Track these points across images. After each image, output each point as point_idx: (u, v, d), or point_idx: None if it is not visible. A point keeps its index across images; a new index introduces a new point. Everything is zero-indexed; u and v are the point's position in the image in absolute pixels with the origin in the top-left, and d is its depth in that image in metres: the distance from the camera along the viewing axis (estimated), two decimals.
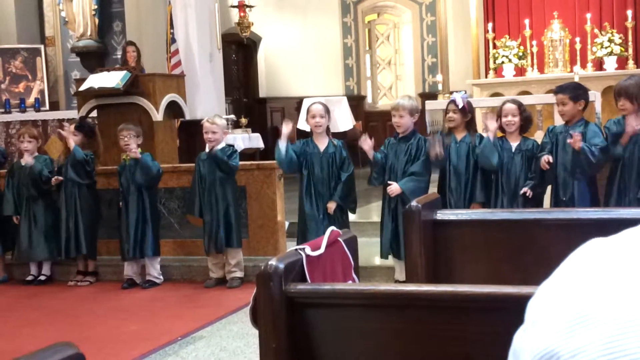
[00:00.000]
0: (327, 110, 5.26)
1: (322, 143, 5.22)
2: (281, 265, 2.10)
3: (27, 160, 6.00)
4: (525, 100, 6.36)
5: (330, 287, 2.19)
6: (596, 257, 0.56)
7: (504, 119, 4.88)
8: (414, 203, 3.02)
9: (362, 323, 2.08)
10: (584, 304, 0.52)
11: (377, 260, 5.51)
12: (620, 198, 4.60)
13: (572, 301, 0.53)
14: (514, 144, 4.89)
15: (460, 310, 1.96)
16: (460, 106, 4.93)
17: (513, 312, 1.80)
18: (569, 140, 4.57)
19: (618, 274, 0.53)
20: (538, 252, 2.90)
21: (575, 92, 4.73)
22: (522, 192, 4.79)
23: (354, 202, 5.25)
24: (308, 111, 5.26)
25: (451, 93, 8.86)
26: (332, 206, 5.07)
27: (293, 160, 5.07)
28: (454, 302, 1.98)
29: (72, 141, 5.77)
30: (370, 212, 7.16)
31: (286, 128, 5.03)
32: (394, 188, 4.88)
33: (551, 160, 4.70)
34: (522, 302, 1.82)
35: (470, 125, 5.05)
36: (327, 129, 5.25)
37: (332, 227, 2.55)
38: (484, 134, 4.92)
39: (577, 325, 0.51)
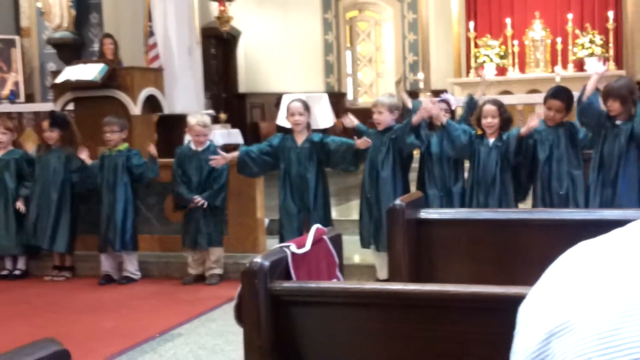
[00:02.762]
0: (307, 107, 5.24)
1: (300, 139, 5.20)
2: (266, 263, 2.09)
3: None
4: (507, 100, 6.40)
5: (316, 285, 2.18)
6: (585, 259, 0.55)
7: (483, 120, 4.89)
8: (398, 202, 3.00)
9: (347, 321, 2.08)
10: (572, 307, 0.51)
11: (358, 259, 5.50)
12: (603, 193, 4.63)
13: (562, 303, 0.52)
14: (491, 139, 4.91)
15: (446, 310, 1.96)
16: (453, 107, 5.03)
17: (498, 311, 1.80)
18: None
19: (605, 277, 0.52)
20: (522, 252, 2.91)
21: (570, 101, 4.78)
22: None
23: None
24: (288, 109, 5.25)
25: (433, 92, 8.89)
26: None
27: (262, 167, 5.14)
28: (440, 301, 1.99)
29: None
30: (350, 210, 7.15)
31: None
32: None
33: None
34: (508, 302, 1.80)
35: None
36: (308, 125, 5.23)
37: (318, 225, 2.53)
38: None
39: (566, 327, 0.50)
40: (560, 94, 4.79)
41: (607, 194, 4.59)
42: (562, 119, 4.80)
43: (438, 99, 5.24)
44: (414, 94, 11.73)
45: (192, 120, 5.48)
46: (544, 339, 0.51)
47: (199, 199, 5.31)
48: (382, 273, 4.95)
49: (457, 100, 5.13)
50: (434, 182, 5.01)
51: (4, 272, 5.93)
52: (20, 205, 5.87)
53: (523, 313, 0.56)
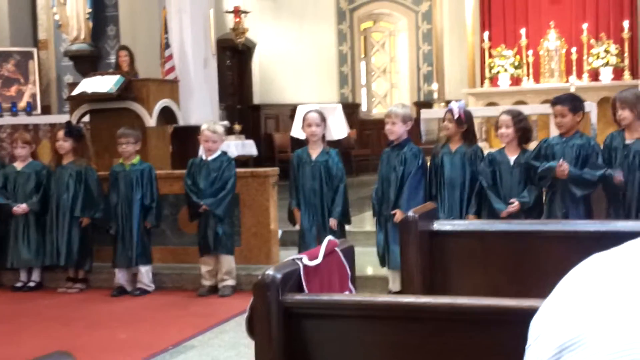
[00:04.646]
0: (323, 118, 5.24)
1: (315, 151, 5.21)
2: (278, 275, 2.08)
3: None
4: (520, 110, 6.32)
5: (328, 298, 2.17)
6: (598, 272, 0.54)
7: (497, 130, 4.81)
8: (410, 213, 2.99)
9: (359, 334, 2.07)
10: (584, 321, 0.50)
11: (370, 270, 5.48)
12: (616, 213, 4.53)
13: (574, 317, 0.51)
14: (513, 157, 4.72)
15: (458, 323, 1.95)
16: (455, 116, 4.85)
17: (512, 324, 1.77)
18: (558, 174, 4.50)
19: (618, 291, 0.51)
20: (535, 264, 2.88)
21: (574, 103, 4.66)
22: (511, 202, 4.60)
23: (348, 214, 5.29)
24: (304, 119, 5.24)
25: (447, 102, 8.87)
26: (333, 223, 5.10)
27: None
28: (453, 314, 1.97)
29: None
30: (363, 222, 7.13)
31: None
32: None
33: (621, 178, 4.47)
34: (521, 315, 1.77)
35: (467, 135, 4.92)
36: (323, 136, 5.24)
37: (330, 237, 2.51)
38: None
39: (578, 341, 0.49)
40: (558, 99, 4.69)
41: (619, 215, 4.52)
42: (572, 123, 4.64)
43: (446, 109, 5.11)
44: (428, 104, 11.72)
45: (203, 126, 5.54)
46: (555, 353, 0.50)
47: (202, 204, 5.35)
48: (395, 285, 4.92)
49: (461, 107, 4.94)
50: (443, 208, 4.80)
51: (19, 284, 5.96)
52: (17, 210, 5.86)
53: (535, 326, 0.56)
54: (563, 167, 4.47)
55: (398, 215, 4.67)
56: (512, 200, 4.64)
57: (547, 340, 0.52)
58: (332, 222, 5.09)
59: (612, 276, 0.53)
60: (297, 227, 5.28)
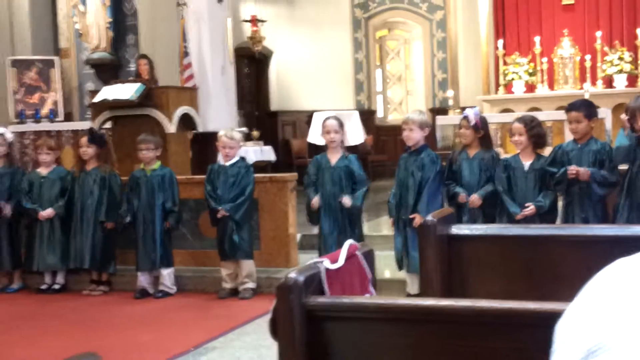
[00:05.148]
0: (342, 125, 5.32)
1: (334, 157, 5.28)
2: (301, 278, 2.10)
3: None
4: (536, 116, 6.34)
5: (350, 301, 2.20)
6: (623, 277, 0.55)
7: (511, 138, 4.89)
8: (429, 217, 3.05)
9: (381, 337, 2.07)
10: (610, 326, 0.52)
11: (388, 274, 5.54)
12: (630, 215, 4.58)
13: (600, 322, 0.52)
14: (527, 162, 4.80)
15: (479, 326, 1.95)
16: (472, 123, 4.93)
17: (532, 328, 1.83)
18: (580, 177, 4.56)
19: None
20: (553, 268, 2.91)
21: (589, 109, 4.72)
22: (526, 206, 4.69)
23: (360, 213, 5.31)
24: (323, 126, 5.32)
25: (462, 109, 8.92)
26: (347, 201, 5.11)
27: None
28: (474, 317, 1.96)
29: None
30: (380, 226, 7.19)
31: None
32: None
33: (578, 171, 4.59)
34: (542, 318, 1.82)
35: (483, 141, 5.03)
36: (342, 142, 5.31)
37: (350, 240, 2.58)
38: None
39: (605, 346, 0.51)
40: (573, 106, 4.76)
41: (633, 217, 4.55)
42: (587, 129, 4.71)
43: (462, 115, 5.19)
44: (443, 110, 11.76)
45: (220, 132, 5.63)
46: (582, 358, 0.51)
47: (221, 210, 5.43)
48: (413, 288, 4.98)
49: (476, 114, 5.02)
50: (460, 215, 4.85)
51: (43, 286, 6.07)
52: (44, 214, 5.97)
53: (560, 332, 0.56)
54: (579, 170, 4.53)
55: (417, 219, 4.74)
56: (527, 204, 4.70)
57: (573, 345, 0.52)
58: (346, 201, 5.10)
59: (636, 281, 0.53)
60: (316, 217, 5.29)
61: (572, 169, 4.59)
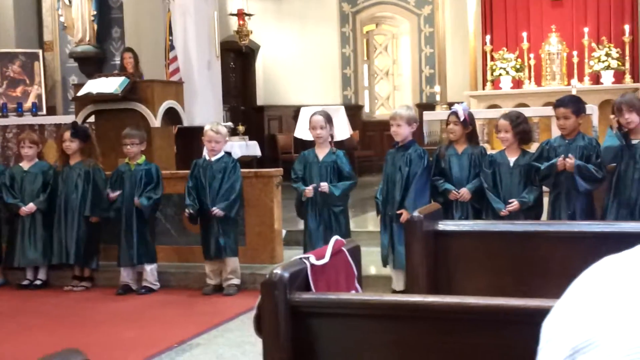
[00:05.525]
0: (329, 120, 5.28)
1: (322, 152, 5.24)
2: (286, 274, 2.09)
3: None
4: (522, 112, 6.34)
5: (335, 297, 2.18)
6: (610, 275, 0.55)
7: (497, 135, 4.88)
8: (416, 213, 3.03)
9: (366, 333, 2.07)
10: (597, 323, 0.51)
11: (373, 270, 5.51)
12: (619, 213, 4.58)
13: (587, 319, 0.52)
14: (512, 158, 4.80)
15: (465, 322, 1.95)
16: (461, 118, 4.91)
17: (518, 324, 1.80)
18: (567, 167, 4.56)
19: (631, 293, 0.52)
20: (540, 265, 2.91)
21: (577, 106, 4.72)
22: (510, 202, 4.69)
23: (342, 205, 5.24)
24: (310, 122, 5.28)
25: (449, 105, 8.91)
26: (325, 186, 5.05)
27: None
28: (460, 313, 1.97)
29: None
30: (366, 222, 7.17)
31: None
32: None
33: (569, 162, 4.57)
34: (528, 315, 1.80)
35: (471, 137, 5.01)
36: (331, 137, 5.28)
37: (336, 237, 2.55)
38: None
39: (592, 343, 0.50)
40: (561, 102, 4.76)
41: (622, 214, 4.56)
42: (575, 125, 4.71)
43: (449, 111, 5.17)
44: (430, 106, 11.75)
45: (206, 126, 5.57)
46: (569, 355, 0.50)
47: (216, 210, 5.35)
48: (399, 285, 4.96)
49: (465, 109, 5.01)
50: (451, 212, 4.83)
51: (25, 282, 6.00)
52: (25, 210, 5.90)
53: (547, 329, 0.55)
54: (566, 160, 4.53)
55: (404, 215, 4.71)
56: (511, 200, 4.69)
57: (561, 342, 0.52)
58: (324, 186, 5.04)
59: (624, 278, 0.53)
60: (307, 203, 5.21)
61: (561, 161, 4.57)
